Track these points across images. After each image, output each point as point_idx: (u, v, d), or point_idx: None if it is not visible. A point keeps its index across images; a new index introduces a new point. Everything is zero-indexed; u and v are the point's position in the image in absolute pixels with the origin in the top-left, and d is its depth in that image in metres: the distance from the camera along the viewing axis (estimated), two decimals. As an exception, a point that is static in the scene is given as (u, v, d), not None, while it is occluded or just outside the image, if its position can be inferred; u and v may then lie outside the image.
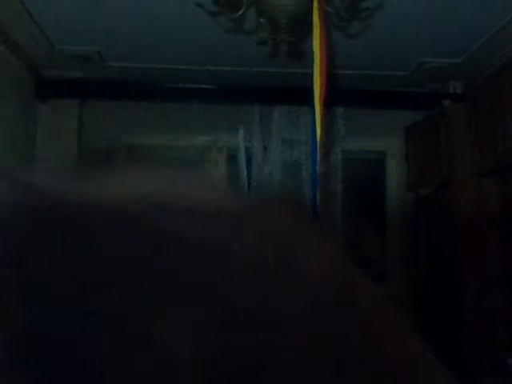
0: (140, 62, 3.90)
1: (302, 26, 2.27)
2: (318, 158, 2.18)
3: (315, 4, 2.11)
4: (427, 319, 4.11)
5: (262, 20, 2.49)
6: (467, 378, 3.51)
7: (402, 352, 0.38)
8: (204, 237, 0.32)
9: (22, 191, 0.35)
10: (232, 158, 4.45)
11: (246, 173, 4.30)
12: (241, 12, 2.29)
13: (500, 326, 3.49)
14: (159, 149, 4.53)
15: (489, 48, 3.51)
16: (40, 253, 0.32)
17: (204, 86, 4.21)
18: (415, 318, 4.30)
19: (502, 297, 3.54)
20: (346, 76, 3.94)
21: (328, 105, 2.15)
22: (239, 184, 4.32)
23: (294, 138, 4.37)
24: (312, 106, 2.12)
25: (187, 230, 0.33)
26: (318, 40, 2.08)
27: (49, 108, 4.12)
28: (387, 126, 4.50)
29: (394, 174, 4.58)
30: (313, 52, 2.09)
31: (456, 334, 3.69)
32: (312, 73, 2.09)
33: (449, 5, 3.00)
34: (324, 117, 2.12)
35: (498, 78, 3.47)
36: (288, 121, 4.37)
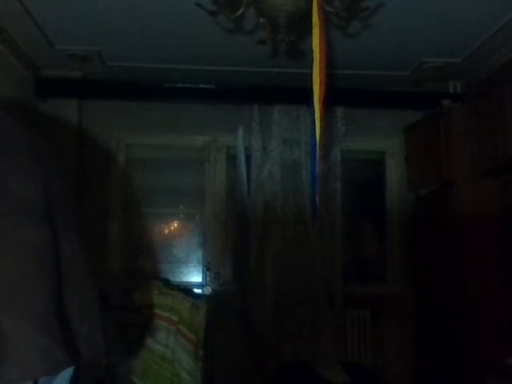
0: (140, 62, 3.90)
1: (301, 25, 2.27)
2: (318, 157, 2.17)
3: (315, 4, 2.10)
4: (427, 319, 4.11)
5: (261, 20, 2.49)
6: (467, 378, 3.51)
7: None
8: None
9: None
10: (232, 158, 4.45)
11: (245, 172, 4.30)
12: (240, 12, 2.29)
13: (500, 326, 3.48)
14: (159, 149, 4.53)
15: (488, 48, 3.51)
16: None
17: (204, 86, 4.21)
18: (415, 318, 4.30)
19: (502, 297, 3.53)
20: (346, 76, 3.94)
21: (327, 105, 2.14)
22: (239, 183, 4.32)
23: (294, 138, 4.37)
24: (311, 106, 2.11)
25: None
26: (318, 40, 2.08)
27: (49, 107, 4.12)
28: (387, 126, 4.50)
29: (394, 174, 4.58)
30: (312, 52, 2.08)
31: (456, 334, 3.69)
32: (311, 72, 2.08)
33: (449, 5, 3.00)
34: (323, 116, 2.11)
35: (497, 77, 3.47)
36: (287, 120, 4.37)
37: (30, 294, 1.10)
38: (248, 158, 4.34)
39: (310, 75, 2.08)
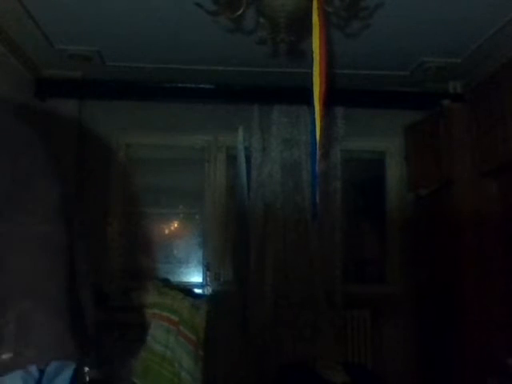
0: (140, 62, 3.90)
1: (301, 25, 2.27)
2: (318, 157, 2.17)
3: (315, 3, 2.10)
4: (427, 319, 4.11)
5: (261, 20, 2.49)
6: (467, 378, 3.51)
7: None
8: None
9: None
10: (232, 158, 4.45)
11: (245, 172, 4.29)
12: (240, 12, 2.29)
13: (500, 326, 3.48)
14: (159, 149, 4.53)
15: (489, 48, 3.51)
16: None
17: (204, 86, 4.21)
18: (415, 318, 4.30)
19: (503, 296, 3.54)
20: (346, 76, 3.94)
21: (328, 104, 2.14)
22: (239, 183, 4.32)
23: (294, 138, 4.37)
24: (311, 106, 2.11)
25: None
26: (318, 39, 2.08)
27: (48, 107, 4.11)
28: (387, 126, 4.50)
29: (394, 174, 4.58)
30: (312, 52, 2.08)
31: (456, 334, 3.69)
32: (311, 72, 2.08)
33: (448, 5, 2.99)
34: (323, 116, 2.11)
35: (497, 78, 3.47)
36: (287, 120, 4.37)
37: (47, 285, 1.20)
38: (248, 158, 4.33)
39: (310, 75, 2.08)
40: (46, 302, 1.18)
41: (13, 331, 1.11)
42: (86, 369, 1.56)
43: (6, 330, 1.11)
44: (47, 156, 1.35)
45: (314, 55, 2.08)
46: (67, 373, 1.25)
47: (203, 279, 4.39)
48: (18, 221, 1.20)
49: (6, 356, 1.10)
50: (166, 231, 4.63)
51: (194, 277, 4.44)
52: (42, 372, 1.19)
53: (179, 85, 4.21)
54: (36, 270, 1.19)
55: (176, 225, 4.66)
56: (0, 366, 1.11)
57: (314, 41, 2.08)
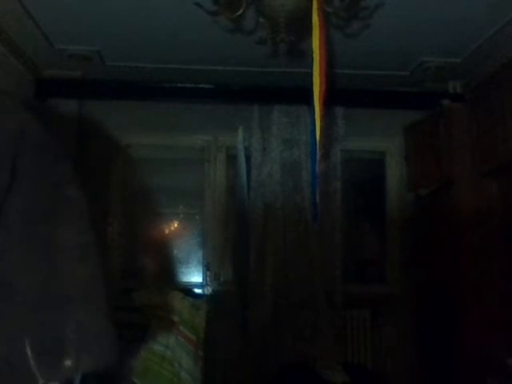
0: (140, 62, 3.90)
1: (301, 25, 2.27)
2: (318, 157, 2.17)
3: (315, 3, 2.10)
4: (427, 319, 4.11)
5: (261, 20, 2.49)
6: (467, 378, 3.51)
7: None
8: None
9: None
10: (231, 158, 4.45)
11: (245, 172, 4.29)
12: (240, 12, 2.29)
13: (500, 326, 3.48)
14: (159, 149, 4.53)
15: (489, 48, 3.51)
16: None
17: (204, 86, 4.21)
18: (415, 318, 4.29)
19: (503, 297, 3.53)
20: (346, 76, 3.94)
21: (328, 104, 2.15)
22: (239, 183, 4.32)
23: (294, 138, 4.37)
24: (311, 106, 2.11)
25: None
26: (318, 39, 2.08)
27: (48, 107, 4.11)
28: (387, 126, 4.50)
29: (394, 174, 4.58)
30: (312, 52, 2.09)
31: (456, 334, 3.69)
32: (311, 72, 2.09)
33: (448, 5, 2.99)
34: (323, 116, 2.11)
35: (497, 78, 3.47)
36: (287, 120, 4.37)
37: (101, 292, 1.25)
38: (248, 158, 4.33)
39: (310, 75, 2.08)
40: (100, 308, 1.23)
41: (73, 337, 1.15)
42: None
43: (66, 336, 1.15)
44: (70, 160, 1.38)
45: (314, 55, 2.08)
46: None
47: (203, 279, 4.39)
48: (66, 225, 1.23)
49: (67, 362, 1.14)
50: (166, 231, 4.63)
51: (194, 277, 4.44)
52: None
53: (179, 85, 4.20)
54: (88, 277, 1.23)
55: (176, 225, 4.66)
56: (61, 371, 1.14)
57: (313, 41, 2.08)
